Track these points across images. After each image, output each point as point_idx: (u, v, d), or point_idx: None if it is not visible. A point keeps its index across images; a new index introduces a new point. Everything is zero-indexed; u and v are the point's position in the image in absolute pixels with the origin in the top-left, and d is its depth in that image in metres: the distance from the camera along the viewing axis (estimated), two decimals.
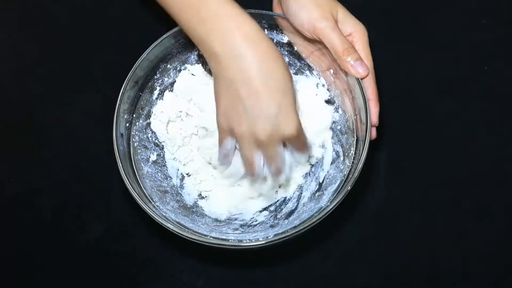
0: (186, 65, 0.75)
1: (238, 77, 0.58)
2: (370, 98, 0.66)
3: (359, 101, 0.66)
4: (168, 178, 0.73)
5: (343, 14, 0.67)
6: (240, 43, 0.58)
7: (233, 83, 0.58)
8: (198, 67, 0.75)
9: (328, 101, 0.75)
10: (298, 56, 0.75)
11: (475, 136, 0.79)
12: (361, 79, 0.66)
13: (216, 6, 0.58)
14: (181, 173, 0.74)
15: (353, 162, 0.67)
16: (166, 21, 0.72)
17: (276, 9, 0.73)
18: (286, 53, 0.75)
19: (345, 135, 0.72)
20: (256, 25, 0.59)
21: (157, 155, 0.73)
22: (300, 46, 0.73)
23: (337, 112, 0.74)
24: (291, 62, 0.76)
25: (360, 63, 0.66)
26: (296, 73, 0.76)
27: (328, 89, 0.74)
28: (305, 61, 0.75)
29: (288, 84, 0.60)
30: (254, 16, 0.70)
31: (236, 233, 0.69)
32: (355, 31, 0.67)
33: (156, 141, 0.74)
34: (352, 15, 0.68)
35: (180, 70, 0.75)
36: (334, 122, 0.74)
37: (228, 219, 0.72)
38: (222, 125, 0.62)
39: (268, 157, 0.62)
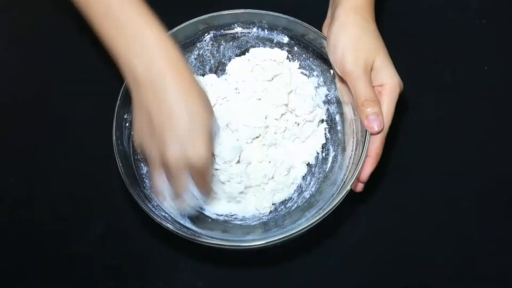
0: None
1: (156, 101, 0.56)
2: (369, 155, 0.64)
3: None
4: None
5: (380, 62, 0.64)
6: (162, 67, 0.56)
7: (152, 107, 0.56)
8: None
9: (328, 101, 0.75)
10: (298, 56, 0.75)
11: (475, 136, 0.79)
12: (373, 134, 0.64)
13: (141, 24, 0.57)
14: None
15: (352, 163, 0.67)
16: (165, 21, 0.72)
17: (324, 31, 0.71)
18: (286, 53, 0.75)
19: (345, 136, 0.72)
20: (178, 53, 0.57)
21: None
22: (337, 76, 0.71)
23: (337, 113, 0.74)
24: (291, 61, 0.76)
25: (376, 117, 0.63)
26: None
27: (328, 89, 0.74)
28: (305, 62, 0.75)
29: (206, 118, 0.57)
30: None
31: (236, 233, 0.69)
32: (387, 84, 0.64)
33: None
34: (391, 66, 0.65)
35: None
36: (334, 122, 0.74)
37: (227, 219, 0.72)
38: (136, 145, 0.62)
39: (174, 185, 0.60)
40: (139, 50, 0.57)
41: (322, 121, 0.75)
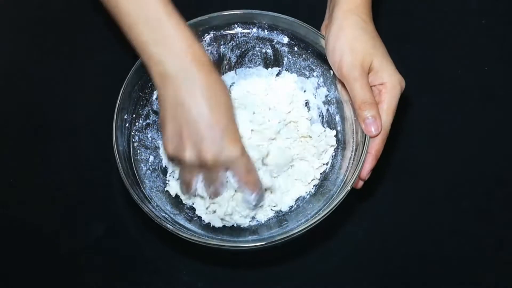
0: None
1: (187, 100, 0.57)
2: (369, 152, 0.64)
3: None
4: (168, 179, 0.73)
5: (379, 63, 0.64)
6: (192, 67, 0.57)
7: (182, 106, 0.58)
8: None
9: (328, 102, 0.75)
10: (298, 56, 0.75)
11: (475, 136, 0.79)
12: (371, 137, 0.64)
13: (170, 27, 0.58)
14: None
15: (352, 163, 0.67)
16: None
17: (322, 31, 0.71)
18: (286, 53, 0.75)
19: (345, 136, 0.72)
20: (203, 49, 0.59)
21: (157, 155, 0.73)
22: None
23: (337, 113, 0.74)
24: (291, 62, 0.76)
25: (374, 121, 0.63)
26: (296, 73, 0.76)
27: (328, 90, 0.74)
28: (305, 62, 0.75)
29: (231, 111, 0.60)
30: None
31: (236, 234, 0.69)
32: (388, 82, 0.64)
33: (156, 142, 0.74)
34: (391, 65, 0.65)
35: None
36: (334, 123, 0.74)
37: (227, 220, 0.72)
38: (168, 151, 0.61)
39: (208, 180, 0.63)
40: (167, 49, 0.58)
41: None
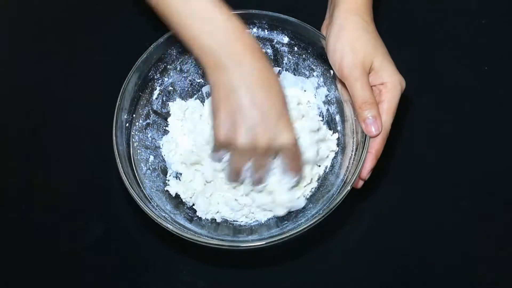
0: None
1: (241, 87, 0.59)
2: (369, 152, 0.64)
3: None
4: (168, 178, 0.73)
5: (379, 63, 0.64)
6: (244, 54, 0.59)
7: (236, 92, 0.59)
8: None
9: (328, 102, 0.75)
10: (298, 56, 0.75)
11: (475, 136, 0.79)
12: (371, 137, 0.64)
13: (220, 18, 0.60)
14: (180, 173, 0.74)
15: (352, 163, 0.67)
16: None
17: (323, 31, 0.72)
18: (286, 53, 0.75)
19: (345, 136, 0.72)
20: (252, 37, 0.61)
21: (157, 155, 0.73)
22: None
23: (337, 113, 0.74)
24: (291, 62, 0.76)
25: (374, 121, 0.63)
26: (295, 73, 0.76)
27: (328, 90, 0.74)
28: (305, 62, 0.75)
29: (283, 94, 0.61)
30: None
31: (236, 234, 0.69)
32: (389, 82, 0.64)
33: (156, 141, 0.74)
34: (391, 65, 0.65)
35: (181, 70, 0.75)
36: (334, 123, 0.74)
37: (227, 219, 0.72)
38: (219, 137, 0.60)
39: (256, 166, 0.63)
40: (219, 39, 0.60)
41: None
